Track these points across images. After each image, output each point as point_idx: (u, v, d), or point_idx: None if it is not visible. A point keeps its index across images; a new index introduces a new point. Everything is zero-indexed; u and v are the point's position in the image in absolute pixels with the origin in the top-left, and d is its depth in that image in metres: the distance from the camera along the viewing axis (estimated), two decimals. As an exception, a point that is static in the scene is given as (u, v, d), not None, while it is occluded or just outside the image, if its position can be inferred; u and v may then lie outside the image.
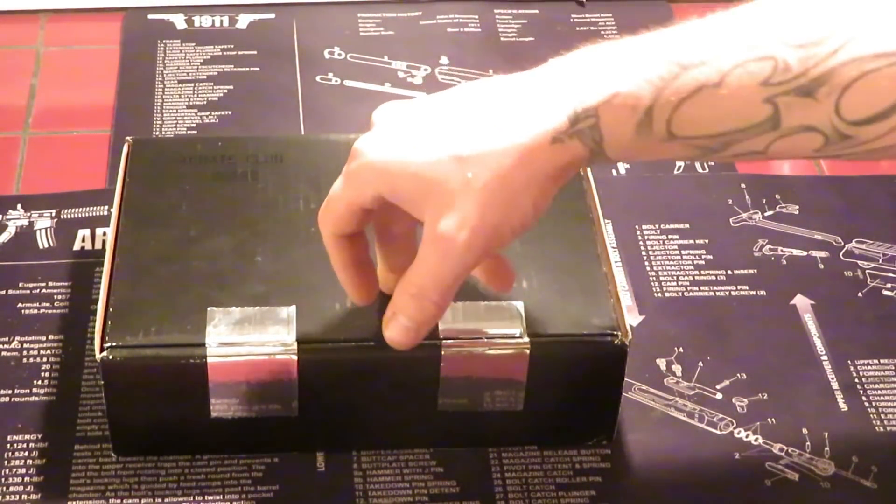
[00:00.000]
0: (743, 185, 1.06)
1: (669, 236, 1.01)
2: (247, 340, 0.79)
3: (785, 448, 0.85)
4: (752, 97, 0.67)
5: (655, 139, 0.70)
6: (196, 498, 0.81)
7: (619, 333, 0.80)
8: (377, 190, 0.72)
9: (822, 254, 1.00)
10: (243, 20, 1.24)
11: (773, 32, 0.68)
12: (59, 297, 0.94)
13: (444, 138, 0.71)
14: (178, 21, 1.23)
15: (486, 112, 0.71)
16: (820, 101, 0.66)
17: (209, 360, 0.78)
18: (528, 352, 0.80)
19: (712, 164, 1.08)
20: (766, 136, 0.69)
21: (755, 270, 0.98)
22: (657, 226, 1.02)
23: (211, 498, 0.81)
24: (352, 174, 0.74)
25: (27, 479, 0.82)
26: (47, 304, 0.93)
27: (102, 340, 0.79)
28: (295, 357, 0.79)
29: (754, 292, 0.97)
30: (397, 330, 0.75)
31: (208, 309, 0.80)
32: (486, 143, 0.70)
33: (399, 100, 0.77)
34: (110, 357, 0.78)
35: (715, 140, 0.70)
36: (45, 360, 0.89)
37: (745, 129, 0.69)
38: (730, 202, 1.04)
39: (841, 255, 1.00)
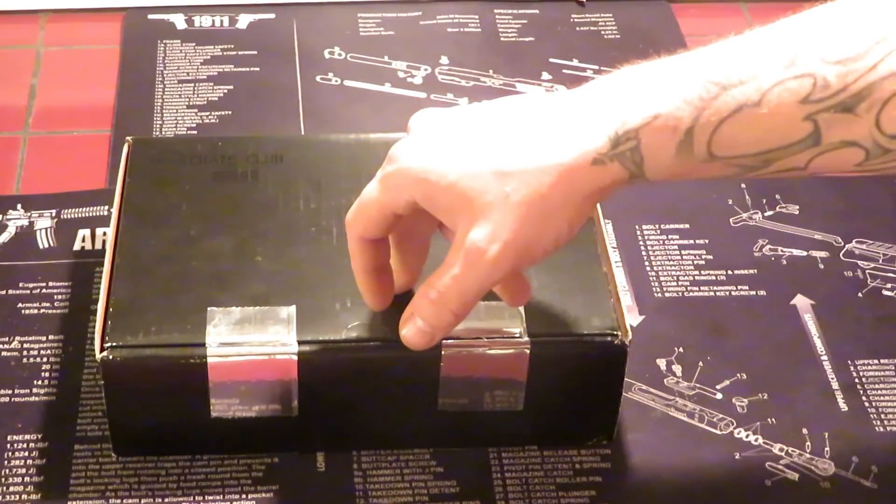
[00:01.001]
0: (743, 186, 1.06)
1: (669, 236, 1.01)
2: (247, 340, 0.79)
3: (785, 448, 0.85)
4: (792, 115, 0.67)
5: (696, 160, 0.70)
6: (196, 498, 0.81)
7: (620, 333, 0.80)
8: (413, 196, 0.72)
9: (822, 254, 1.00)
10: (243, 20, 1.24)
11: (812, 49, 0.68)
12: (59, 297, 0.94)
13: (485, 151, 0.71)
14: (179, 21, 1.23)
15: (528, 128, 0.71)
16: (860, 117, 0.66)
17: (209, 360, 0.78)
18: (528, 352, 0.80)
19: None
20: (806, 154, 0.69)
21: (755, 270, 0.98)
22: (657, 226, 1.02)
23: (211, 498, 0.81)
24: (388, 179, 0.74)
25: (27, 479, 0.82)
26: (47, 304, 0.93)
27: (102, 340, 0.79)
28: (295, 357, 0.79)
29: (754, 292, 0.97)
30: (413, 331, 0.75)
31: (208, 309, 0.80)
32: (527, 160, 0.70)
33: (437, 108, 0.76)
34: (110, 357, 0.78)
35: (755, 159, 0.70)
36: (45, 360, 0.89)
37: (785, 148, 0.69)
38: (730, 202, 1.04)
39: (841, 255, 1.00)
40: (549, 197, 0.70)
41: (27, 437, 0.84)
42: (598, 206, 0.89)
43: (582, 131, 0.70)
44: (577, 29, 1.24)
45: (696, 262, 0.99)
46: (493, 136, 0.72)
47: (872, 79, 0.66)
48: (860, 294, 0.97)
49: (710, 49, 0.71)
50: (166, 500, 0.81)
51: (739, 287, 0.97)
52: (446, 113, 0.75)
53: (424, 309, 0.74)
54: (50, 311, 0.92)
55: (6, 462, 0.83)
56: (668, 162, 0.70)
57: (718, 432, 0.86)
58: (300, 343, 0.79)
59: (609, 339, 0.81)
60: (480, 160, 0.71)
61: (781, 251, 1.00)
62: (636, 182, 0.72)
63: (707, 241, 1.01)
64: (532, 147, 0.70)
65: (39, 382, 0.88)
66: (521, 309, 0.81)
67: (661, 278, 0.97)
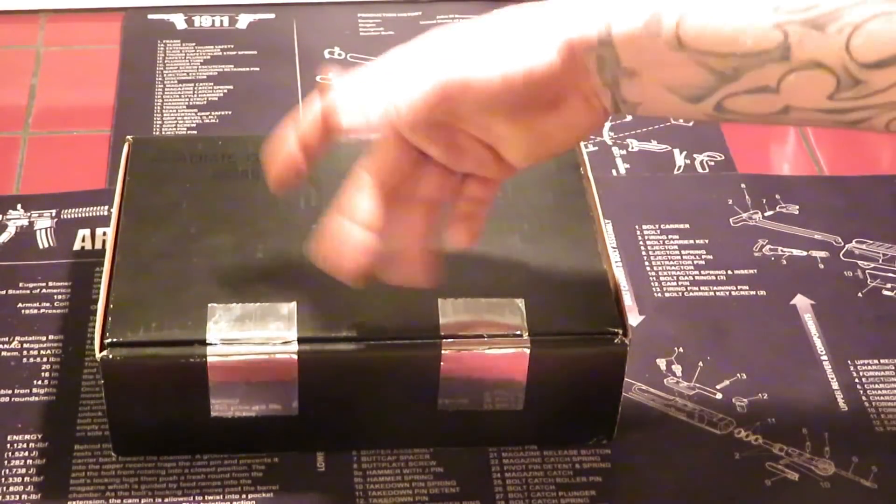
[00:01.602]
0: (743, 185, 1.06)
1: (669, 236, 1.01)
2: (248, 337, 0.79)
3: (785, 448, 0.85)
4: (763, 20, 0.67)
5: (664, 44, 0.68)
6: (196, 498, 0.81)
7: (620, 333, 0.80)
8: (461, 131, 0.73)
9: (822, 254, 1.00)
10: (243, 20, 1.24)
11: None
12: (59, 297, 0.94)
13: (488, 54, 0.71)
14: (178, 21, 1.23)
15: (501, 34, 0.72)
16: (830, 36, 0.65)
17: (209, 359, 0.78)
18: (528, 351, 0.80)
19: (713, 164, 1.09)
20: (776, 68, 0.67)
21: (755, 270, 0.98)
22: (657, 226, 1.02)
23: (211, 498, 0.81)
24: (444, 94, 0.72)
25: (27, 479, 0.82)
26: (47, 304, 0.93)
27: (102, 336, 0.79)
28: (295, 355, 0.79)
29: (754, 292, 0.97)
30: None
31: (209, 305, 0.80)
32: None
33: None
34: (110, 356, 0.78)
35: (724, 62, 0.68)
36: (45, 360, 0.89)
37: (754, 54, 0.67)
38: (730, 202, 1.04)
39: (841, 255, 1.00)
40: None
41: (27, 437, 0.84)
42: (598, 205, 0.89)
43: (566, 18, 0.71)
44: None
45: (696, 262, 0.99)
46: (494, 39, 0.72)
47: (845, 3, 0.65)
48: (860, 294, 0.97)
49: None
50: (166, 500, 0.81)
51: (739, 287, 0.97)
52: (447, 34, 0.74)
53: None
54: (50, 311, 0.92)
55: (6, 462, 0.83)
56: (637, 40, 0.69)
57: (718, 432, 0.86)
58: (301, 340, 0.79)
59: (609, 338, 0.81)
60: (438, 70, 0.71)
61: (781, 251, 1.00)
62: (605, 60, 0.70)
63: (707, 241, 1.01)
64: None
65: (39, 382, 0.88)
66: (522, 308, 0.81)
67: (661, 278, 0.97)
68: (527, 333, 0.80)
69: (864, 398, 0.89)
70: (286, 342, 0.79)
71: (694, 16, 0.68)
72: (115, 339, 0.78)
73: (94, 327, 0.81)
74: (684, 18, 0.68)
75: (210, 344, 0.79)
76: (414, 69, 0.73)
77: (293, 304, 0.81)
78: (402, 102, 0.72)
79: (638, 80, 0.70)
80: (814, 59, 0.66)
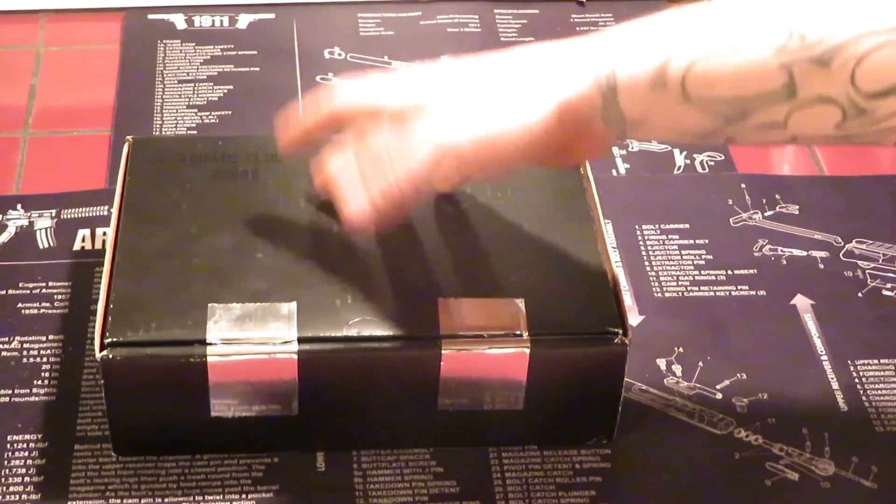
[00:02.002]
0: (743, 185, 1.06)
1: (669, 236, 1.01)
2: (247, 337, 0.79)
3: (785, 448, 0.85)
4: (766, 62, 0.68)
5: (671, 99, 0.70)
6: (196, 498, 0.81)
7: (620, 333, 0.80)
8: (460, 176, 0.79)
9: (822, 254, 1.00)
10: (243, 20, 1.24)
11: (788, 13, 0.68)
12: (60, 297, 0.94)
13: (485, 115, 0.76)
14: (178, 21, 1.23)
15: (519, 84, 0.76)
16: (835, 71, 0.66)
17: (209, 359, 0.78)
18: (528, 351, 0.80)
19: (713, 164, 1.09)
20: (783, 106, 0.68)
21: (755, 270, 0.98)
22: (657, 226, 1.02)
23: (211, 498, 0.81)
24: (441, 164, 0.76)
25: (27, 479, 0.82)
26: (47, 304, 0.93)
27: (102, 336, 0.79)
28: (295, 355, 0.79)
29: (754, 292, 0.97)
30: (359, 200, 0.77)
31: (209, 305, 0.80)
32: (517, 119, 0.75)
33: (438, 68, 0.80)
34: (110, 356, 0.78)
35: (732, 106, 0.69)
36: (45, 360, 0.89)
37: (761, 96, 0.68)
38: (730, 202, 1.04)
39: (841, 255, 1.00)
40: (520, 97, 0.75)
41: (27, 437, 0.84)
42: (599, 206, 0.89)
43: (568, 73, 0.74)
44: (577, 29, 1.24)
45: (696, 262, 0.99)
46: (495, 95, 0.76)
47: (847, 36, 0.66)
48: (860, 294, 0.97)
49: (683, 9, 0.72)
50: (166, 500, 0.81)
51: (739, 287, 0.97)
52: (455, 77, 0.79)
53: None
54: (50, 311, 0.92)
55: (6, 462, 0.83)
56: (642, 94, 0.71)
57: (718, 432, 0.86)
58: (300, 340, 0.79)
59: (609, 338, 0.81)
60: (486, 124, 0.76)
61: (781, 251, 1.00)
62: (610, 115, 0.73)
63: (707, 241, 1.01)
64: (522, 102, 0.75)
65: (39, 382, 0.88)
66: (522, 308, 0.81)
67: (661, 278, 0.97)
68: (527, 333, 0.80)
69: (864, 398, 0.89)
70: (286, 342, 0.79)
71: (698, 66, 0.69)
72: (115, 339, 0.78)
73: (94, 327, 0.81)
74: (689, 70, 0.69)
75: (210, 344, 0.79)
76: (457, 114, 0.77)
77: (293, 304, 0.80)
78: (453, 144, 0.76)
79: (646, 126, 0.73)
80: (820, 95, 0.67)
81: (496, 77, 0.77)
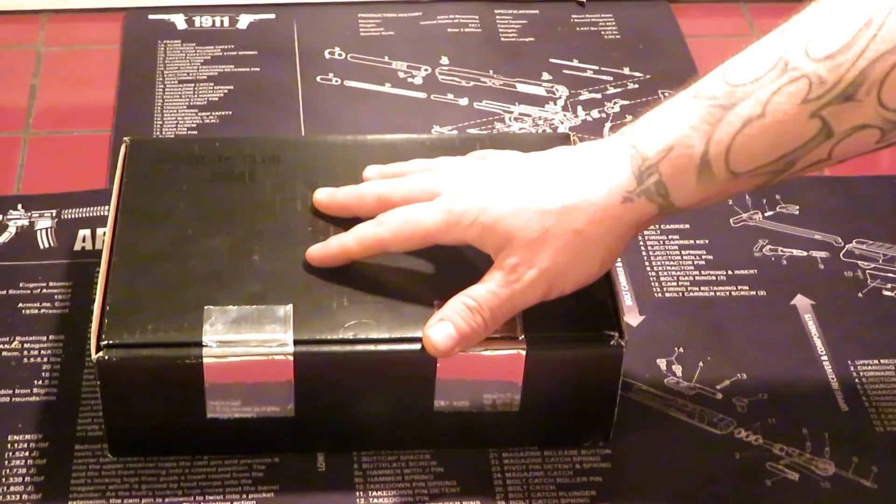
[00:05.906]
0: (743, 185, 1.06)
1: (669, 236, 1.01)
2: (244, 339, 0.79)
3: (785, 448, 0.85)
4: (797, 117, 0.71)
5: (720, 181, 0.75)
6: (196, 498, 0.81)
7: (616, 335, 0.80)
8: (466, 238, 0.79)
9: (822, 254, 1.00)
10: (243, 20, 1.24)
11: (800, 51, 0.71)
12: (60, 297, 0.94)
13: (527, 194, 0.78)
14: (179, 21, 1.23)
15: (563, 172, 0.78)
16: (862, 101, 0.70)
17: (205, 360, 0.78)
18: (524, 353, 0.80)
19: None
20: (824, 147, 0.72)
21: (755, 270, 0.98)
22: (657, 226, 1.02)
23: (211, 498, 0.81)
24: (452, 223, 0.79)
25: (27, 479, 0.82)
26: (48, 304, 0.93)
27: (98, 339, 0.78)
28: (291, 357, 0.79)
29: (754, 292, 0.97)
30: (441, 335, 0.78)
31: (205, 307, 0.80)
32: (564, 200, 0.77)
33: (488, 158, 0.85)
34: (106, 358, 0.78)
35: (777, 164, 0.74)
36: (45, 360, 0.89)
37: (801, 147, 0.73)
38: (730, 202, 1.04)
39: (841, 255, 1.00)
40: (584, 233, 0.77)
41: (27, 437, 0.84)
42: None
43: (610, 172, 0.76)
44: (578, 29, 1.24)
45: (696, 262, 0.99)
46: (534, 180, 0.79)
47: (863, 65, 0.69)
48: (860, 294, 0.97)
49: (709, 75, 0.75)
50: (166, 500, 0.81)
51: (739, 287, 0.97)
52: (496, 164, 0.83)
53: (458, 312, 0.78)
54: (50, 311, 0.93)
55: (6, 462, 0.83)
56: (693, 188, 0.75)
57: (718, 432, 0.86)
58: (297, 342, 0.79)
59: (606, 339, 0.80)
60: (524, 201, 0.78)
61: (781, 251, 1.00)
62: (668, 213, 0.77)
63: (707, 241, 1.01)
64: (567, 188, 0.77)
65: (39, 382, 0.88)
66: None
67: (661, 278, 0.97)
68: (523, 335, 0.80)
69: (864, 398, 0.89)
70: (282, 344, 0.79)
71: (737, 143, 0.73)
72: (111, 341, 0.78)
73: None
74: (729, 151, 0.73)
75: (206, 346, 0.78)
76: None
77: (289, 307, 0.80)
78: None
79: (700, 205, 0.77)
80: (855, 125, 0.71)
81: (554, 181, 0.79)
